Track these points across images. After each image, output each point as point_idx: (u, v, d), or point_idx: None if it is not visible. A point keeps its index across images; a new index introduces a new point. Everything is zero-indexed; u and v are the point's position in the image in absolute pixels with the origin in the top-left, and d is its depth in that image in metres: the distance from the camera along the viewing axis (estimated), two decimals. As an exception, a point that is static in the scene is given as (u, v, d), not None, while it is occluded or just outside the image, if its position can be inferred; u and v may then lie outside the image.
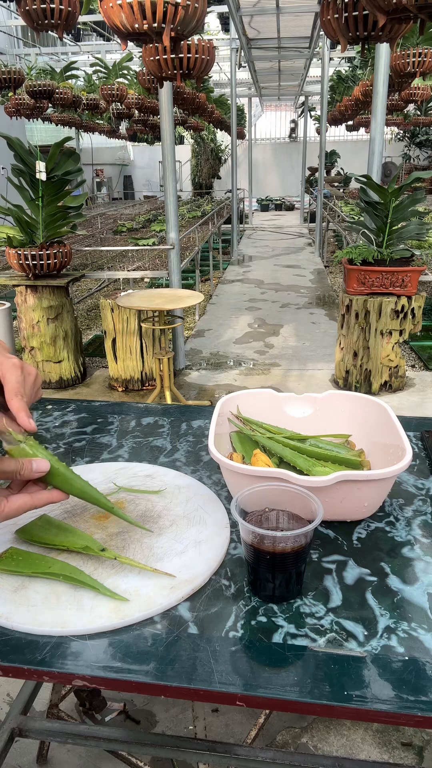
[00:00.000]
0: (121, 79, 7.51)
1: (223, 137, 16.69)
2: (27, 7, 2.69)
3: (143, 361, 3.91)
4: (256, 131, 18.73)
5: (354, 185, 12.67)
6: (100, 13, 2.18)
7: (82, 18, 8.34)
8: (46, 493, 0.72)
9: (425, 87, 6.55)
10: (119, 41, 2.29)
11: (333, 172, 15.21)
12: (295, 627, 0.68)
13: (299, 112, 16.33)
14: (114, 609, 0.70)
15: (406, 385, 3.92)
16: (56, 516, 0.88)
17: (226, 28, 10.21)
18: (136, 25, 2.10)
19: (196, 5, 2.14)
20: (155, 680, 0.62)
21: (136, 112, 8.01)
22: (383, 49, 3.70)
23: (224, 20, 10.67)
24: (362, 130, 10.40)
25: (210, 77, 10.46)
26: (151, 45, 3.00)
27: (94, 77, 7.86)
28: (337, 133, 17.34)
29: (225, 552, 0.80)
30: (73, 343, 4.01)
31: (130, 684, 0.62)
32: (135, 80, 7.57)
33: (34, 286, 3.77)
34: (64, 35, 2.97)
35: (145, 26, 2.10)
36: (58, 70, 7.82)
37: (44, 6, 2.69)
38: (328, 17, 2.28)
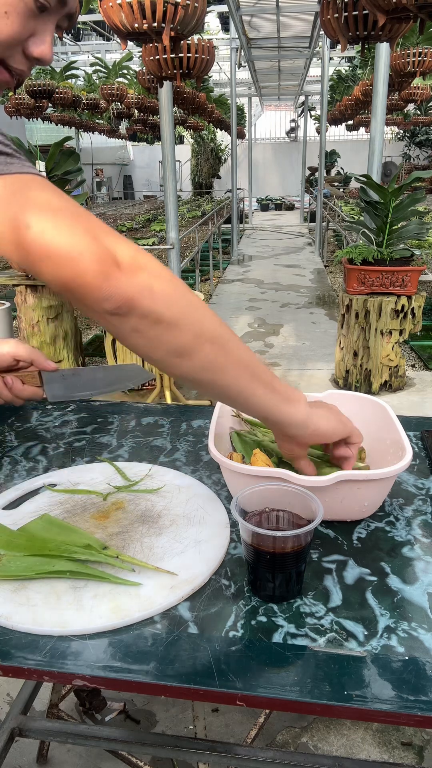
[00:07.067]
0: (121, 79, 7.50)
1: (223, 137, 16.69)
2: (27, 7, 2.68)
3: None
4: (256, 131, 18.72)
5: (354, 185, 12.67)
6: (100, 12, 2.18)
7: (82, 18, 8.34)
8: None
9: (425, 87, 6.54)
10: (119, 41, 2.29)
11: (333, 172, 15.22)
12: (295, 627, 0.68)
13: (299, 112, 16.33)
14: (114, 609, 0.70)
15: (406, 384, 3.92)
16: (57, 516, 0.88)
17: (226, 28, 10.21)
18: (136, 25, 2.10)
19: (196, 5, 2.14)
20: (155, 680, 0.62)
21: (136, 111, 8.01)
22: (383, 49, 3.69)
23: (224, 20, 10.66)
24: (362, 129, 10.39)
25: (210, 77, 10.45)
26: (150, 45, 3.00)
27: (94, 77, 7.85)
28: (337, 132, 17.33)
29: (225, 552, 0.80)
30: (73, 343, 4.00)
31: (130, 684, 0.62)
32: (135, 80, 7.56)
33: (34, 285, 3.77)
34: (64, 35, 2.97)
35: (145, 26, 2.10)
36: (58, 69, 7.81)
37: (44, 6, 2.69)
38: (328, 17, 2.28)
